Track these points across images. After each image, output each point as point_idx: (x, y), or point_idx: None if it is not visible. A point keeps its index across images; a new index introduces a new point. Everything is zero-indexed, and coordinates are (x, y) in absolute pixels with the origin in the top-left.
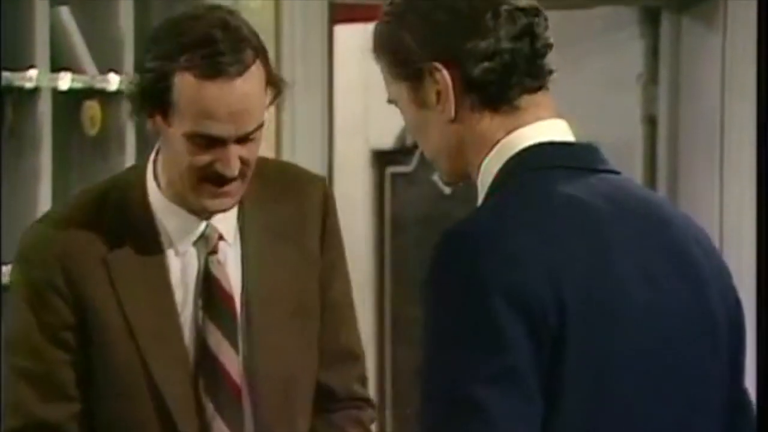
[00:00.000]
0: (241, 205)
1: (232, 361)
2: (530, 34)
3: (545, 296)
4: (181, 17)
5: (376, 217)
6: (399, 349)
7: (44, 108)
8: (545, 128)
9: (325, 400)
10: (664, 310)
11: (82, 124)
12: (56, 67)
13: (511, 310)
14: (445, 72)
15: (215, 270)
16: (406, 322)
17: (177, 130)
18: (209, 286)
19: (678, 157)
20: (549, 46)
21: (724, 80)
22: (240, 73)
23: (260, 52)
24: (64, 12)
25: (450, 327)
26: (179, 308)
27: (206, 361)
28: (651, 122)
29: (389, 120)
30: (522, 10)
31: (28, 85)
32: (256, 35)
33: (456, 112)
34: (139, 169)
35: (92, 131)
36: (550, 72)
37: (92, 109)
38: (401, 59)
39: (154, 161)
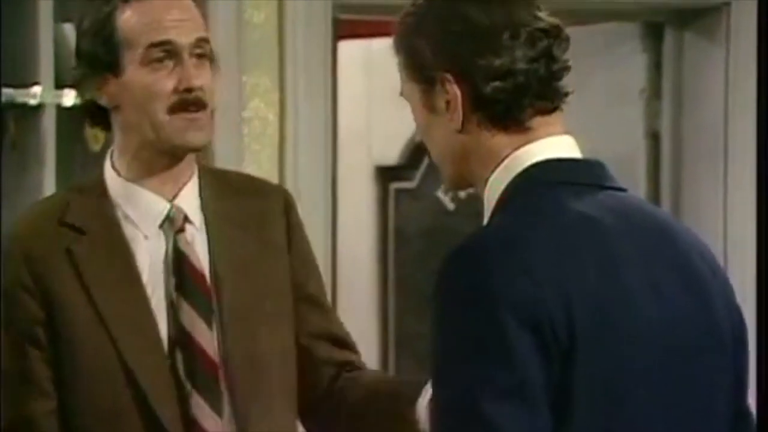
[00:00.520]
0: (203, 195)
1: (207, 338)
2: (548, 56)
3: (554, 311)
4: None
5: (379, 232)
6: (403, 362)
7: (48, 124)
8: (553, 144)
9: (351, 367)
10: (673, 324)
11: (85, 139)
12: (60, 84)
13: (520, 326)
14: (455, 85)
15: (184, 248)
16: (410, 336)
17: (132, 66)
18: (180, 264)
19: (681, 171)
20: (566, 69)
21: (727, 94)
22: None
23: None
24: (68, 29)
25: (459, 342)
26: (150, 291)
27: (181, 340)
28: (654, 137)
29: (393, 136)
30: (544, 31)
31: (32, 101)
32: None
33: (463, 124)
34: (97, 172)
35: (96, 147)
36: (566, 94)
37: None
38: (415, 63)
39: (111, 153)
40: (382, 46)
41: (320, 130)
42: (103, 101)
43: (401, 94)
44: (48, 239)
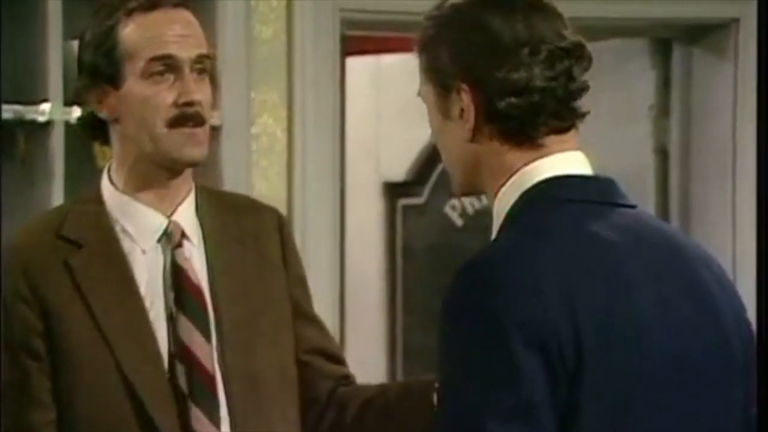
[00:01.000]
0: (200, 212)
1: (204, 351)
2: (567, 76)
3: (562, 331)
4: None
5: (387, 248)
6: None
7: (57, 141)
8: (564, 160)
9: (347, 381)
10: (682, 341)
11: (94, 156)
12: (69, 101)
13: (527, 346)
14: (470, 95)
15: (183, 263)
16: (418, 351)
17: (132, 79)
18: (178, 279)
19: (690, 188)
20: (585, 89)
21: (735, 111)
22: (175, 6)
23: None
24: (77, 46)
25: (465, 362)
26: (149, 304)
27: (180, 353)
28: (663, 153)
29: (401, 152)
30: (565, 50)
31: (41, 118)
32: None
33: (475, 135)
34: (94, 186)
35: (103, 163)
36: (583, 114)
37: None
38: (434, 67)
39: (109, 166)
40: (390, 62)
41: (328, 146)
42: (103, 114)
43: (418, 94)
44: (46, 252)
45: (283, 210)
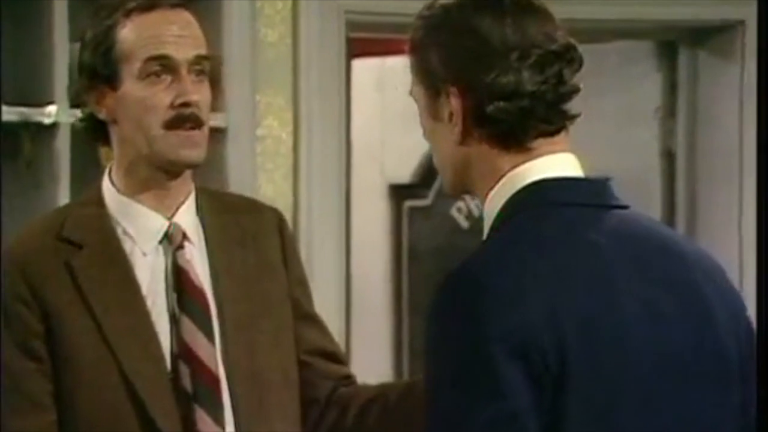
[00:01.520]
0: (200, 213)
1: (207, 352)
2: (557, 79)
3: (545, 339)
4: None
5: (393, 250)
6: None
7: (63, 143)
8: (554, 162)
9: (348, 381)
10: (670, 348)
11: (99, 158)
12: (75, 103)
13: (510, 355)
14: (459, 99)
15: (184, 264)
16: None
17: (130, 80)
18: (179, 280)
19: (696, 190)
20: (575, 92)
21: (742, 113)
22: (174, 7)
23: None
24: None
25: (449, 371)
26: (151, 304)
27: (183, 354)
28: (669, 156)
29: (406, 154)
30: (555, 53)
31: (47, 120)
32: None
33: (465, 137)
34: (95, 188)
35: (106, 165)
36: (573, 117)
37: None
38: (424, 69)
39: (109, 168)
40: (396, 64)
41: (334, 148)
42: (102, 115)
43: (410, 93)
44: (46, 253)
45: (288, 212)
